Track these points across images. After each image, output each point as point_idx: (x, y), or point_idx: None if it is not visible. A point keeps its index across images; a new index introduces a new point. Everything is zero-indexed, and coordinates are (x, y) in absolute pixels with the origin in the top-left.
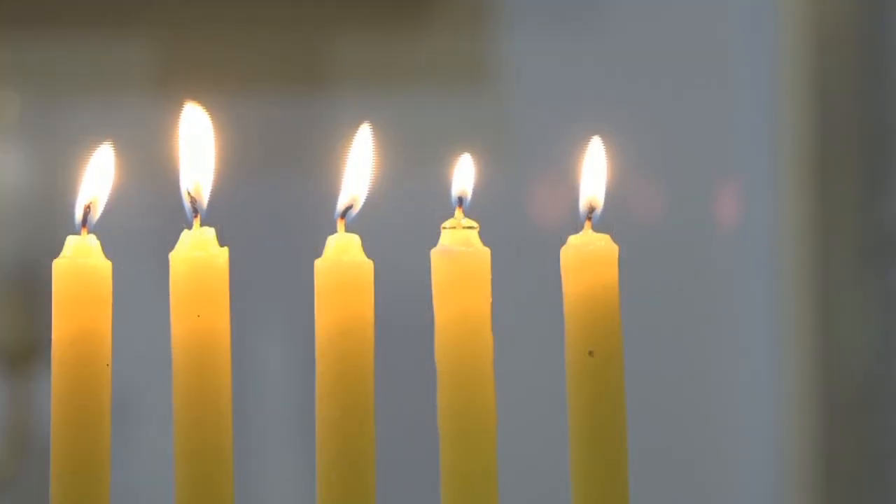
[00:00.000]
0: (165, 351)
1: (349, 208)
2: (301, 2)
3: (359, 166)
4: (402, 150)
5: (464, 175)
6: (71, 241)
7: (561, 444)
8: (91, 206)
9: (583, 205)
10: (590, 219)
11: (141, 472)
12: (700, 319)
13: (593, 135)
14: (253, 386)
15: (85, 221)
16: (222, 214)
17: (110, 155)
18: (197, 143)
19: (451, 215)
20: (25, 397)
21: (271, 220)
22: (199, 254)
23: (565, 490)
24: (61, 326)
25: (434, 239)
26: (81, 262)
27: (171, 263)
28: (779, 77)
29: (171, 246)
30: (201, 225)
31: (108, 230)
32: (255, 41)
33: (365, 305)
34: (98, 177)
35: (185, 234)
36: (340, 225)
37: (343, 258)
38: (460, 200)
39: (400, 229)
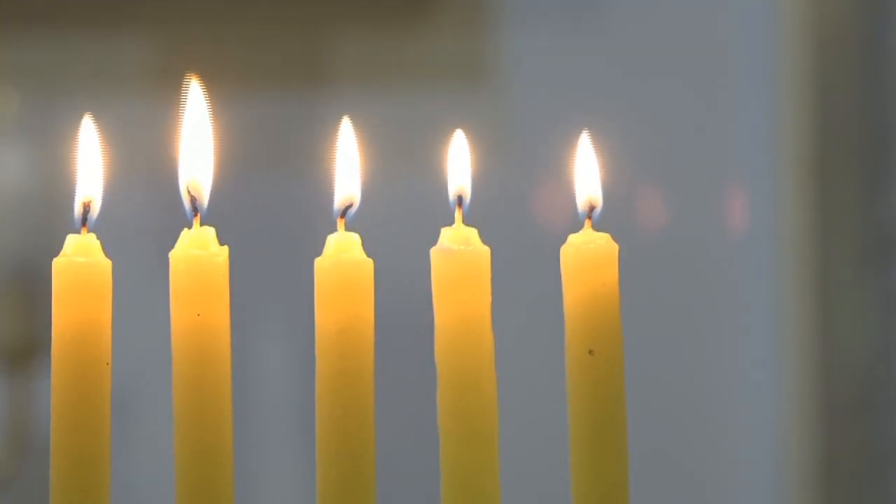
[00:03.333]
0: (165, 350)
1: (349, 207)
2: (301, 0)
3: (349, 164)
4: (402, 149)
5: (459, 160)
6: (71, 239)
7: (561, 442)
8: (89, 203)
9: (583, 204)
10: (590, 218)
11: (141, 470)
12: (700, 319)
13: (588, 132)
14: (253, 385)
15: (84, 220)
16: (222, 213)
17: (98, 145)
18: (197, 140)
19: (452, 213)
20: (25, 396)
21: (271, 218)
22: (199, 252)
23: (566, 489)
24: (61, 325)
25: (434, 237)
26: (81, 261)
27: (170, 262)
28: (779, 77)
29: (171, 244)
30: (201, 224)
31: (109, 229)
32: (255, 40)
33: (365, 304)
34: (92, 172)
35: (185, 232)
36: (340, 224)
37: (343, 257)
38: (459, 200)
39: (400, 228)
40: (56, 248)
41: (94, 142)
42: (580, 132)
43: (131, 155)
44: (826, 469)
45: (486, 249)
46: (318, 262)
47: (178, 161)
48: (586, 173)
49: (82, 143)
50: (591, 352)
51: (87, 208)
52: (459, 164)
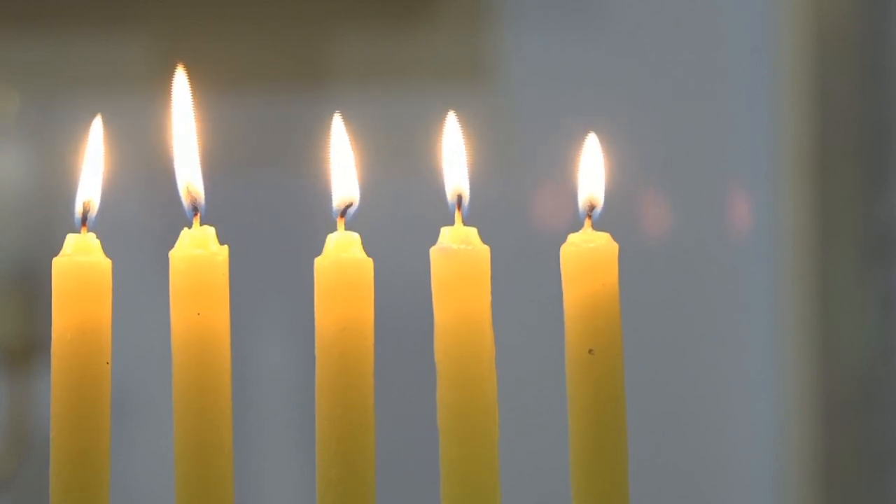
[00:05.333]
0: (165, 349)
1: (349, 206)
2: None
3: (343, 161)
4: (402, 148)
5: (455, 148)
6: (71, 238)
7: (561, 442)
8: (89, 203)
9: (583, 203)
10: (590, 217)
11: (141, 470)
12: (700, 318)
13: (595, 134)
14: (253, 384)
15: (84, 219)
16: (222, 212)
17: (102, 143)
18: (192, 140)
19: (451, 213)
20: (25, 395)
21: (271, 218)
22: (199, 252)
23: (566, 489)
24: (61, 324)
25: (434, 237)
26: (81, 260)
27: (170, 261)
28: (779, 77)
29: (172, 244)
30: (201, 223)
31: (109, 228)
32: (255, 38)
33: (365, 303)
34: (93, 171)
35: (185, 232)
36: (340, 223)
37: (343, 256)
38: (459, 200)
39: (400, 227)
40: (56, 248)
41: (97, 141)
42: (582, 131)
43: (131, 154)
44: (826, 469)
45: (486, 249)
46: (317, 261)
47: (176, 161)
48: (590, 173)
49: (89, 142)
50: (591, 351)
51: (87, 208)
52: (456, 153)
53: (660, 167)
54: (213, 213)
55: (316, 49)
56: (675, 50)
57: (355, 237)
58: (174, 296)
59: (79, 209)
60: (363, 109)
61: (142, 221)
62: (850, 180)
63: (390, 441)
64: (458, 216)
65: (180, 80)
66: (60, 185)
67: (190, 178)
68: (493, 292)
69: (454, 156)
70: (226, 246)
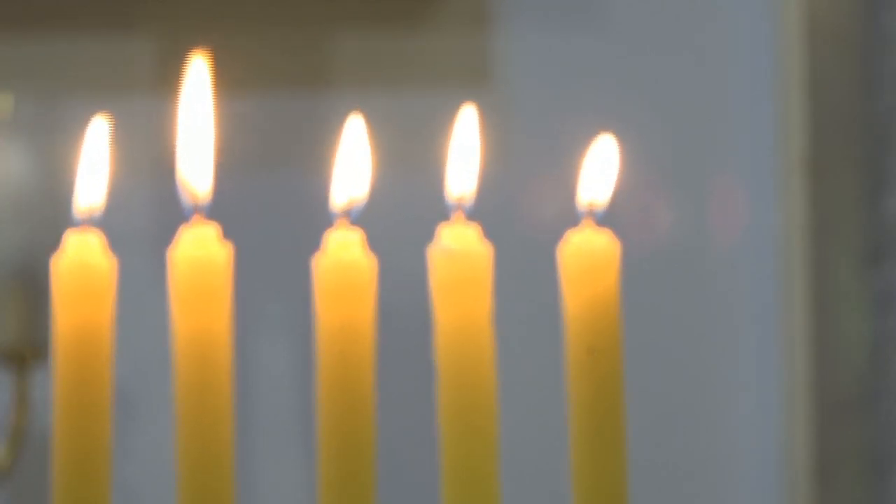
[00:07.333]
0: (166, 349)
1: (351, 206)
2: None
3: (354, 162)
4: (403, 148)
5: (465, 147)
6: (71, 238)
7: (561, 442)
8: (89, 202)
9: (583, 203)
10: (590, 216)
11: (142, 470)
12: (698, 318)
13: (598, 133)
14: (253, 384)
15: (85, 218)
16: (224, 212)
17: (104, 141)
18: (197, 137)
19: (452, 212)
20: (26, 395)
21: (273, 217)
22: (200, 251)
23: (566, 489)
24: (62, 324)
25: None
26: (82, 260)
27: (171, 261)
28: (779, 77)
29: (173, 243)
30: (203, 222)
31: (110, 227)
32: (256, 38)
33: (366, 303)
34: (94, 171)
35: (185, 231)
36: (342, 222)
37: (344, 255)
38: (459, 199)
39: (401, 227)
40: (56, 248)
41: (98, 140)
42: (583, 131)
43: (132, 154)
44: (825, 469)
45: (487, 249)
46: (317, 260)
47: (178, 158)
48: (595, 174)
49: (89, 142)
50: (591, 351)
51: (87, 208)
52: (464, 152)
53: (659, 167)
54: (213, 212)
55: (316, 50)
56: (675, 50)
57: (356, 236)
58: (174, 295)
59: (79, 209)
60: (363, 110)
61: (142, 221)
62: (850, 180)
63: (390, 441)
64: (458, 215)
65: (200, 73)
66: (60, 185)
67: (192, 177)
68: (493, 292)
69: (461, 154)
70: (228, 245)
